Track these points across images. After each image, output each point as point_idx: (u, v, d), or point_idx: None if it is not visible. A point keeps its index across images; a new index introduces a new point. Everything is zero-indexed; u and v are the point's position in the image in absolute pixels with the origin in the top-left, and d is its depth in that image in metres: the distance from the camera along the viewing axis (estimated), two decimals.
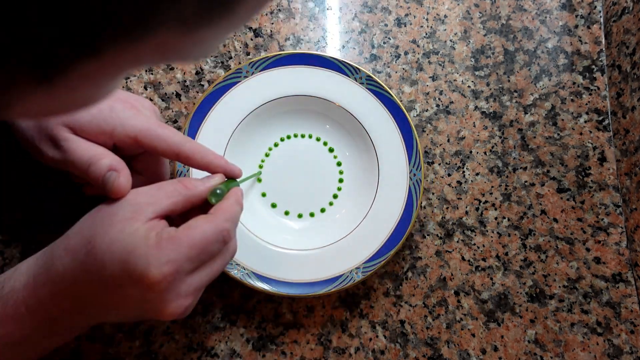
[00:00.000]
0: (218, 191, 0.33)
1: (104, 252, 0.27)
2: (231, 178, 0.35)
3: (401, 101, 0.45)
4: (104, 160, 0.31)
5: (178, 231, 0.28)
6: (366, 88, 0.43)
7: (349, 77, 0.43)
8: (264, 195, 0.44)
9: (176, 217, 0.32)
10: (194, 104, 0.43)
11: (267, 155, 0.45)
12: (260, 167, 0.45)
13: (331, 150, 0.45)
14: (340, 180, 0.45)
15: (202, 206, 0.33)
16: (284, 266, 0.41)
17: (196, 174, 0.40)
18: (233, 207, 0.32)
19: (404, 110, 0.43)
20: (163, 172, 0.38)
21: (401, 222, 0.42)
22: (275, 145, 0.45)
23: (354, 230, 0.42)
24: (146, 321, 0.41)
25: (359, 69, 0.43)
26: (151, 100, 0.46)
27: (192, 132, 0.42)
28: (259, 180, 0.44)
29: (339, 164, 0.45)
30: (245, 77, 0.43)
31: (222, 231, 0.30)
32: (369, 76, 0.43)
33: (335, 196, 0.45)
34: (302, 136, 0.45)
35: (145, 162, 0.37)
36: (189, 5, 0.12)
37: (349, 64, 0.43)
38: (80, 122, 0.32)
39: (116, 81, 0.17)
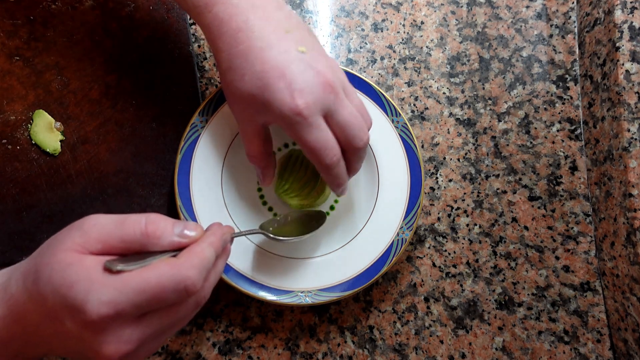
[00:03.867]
0: None
1: (45, 283, 0.25)
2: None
3: None
4: None
5: (132, 271, 0.25)
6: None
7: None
8: (264, 203, 0.43)
9: None
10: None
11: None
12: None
13: None
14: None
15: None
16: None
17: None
18: (204, 252, 0.27)
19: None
20: None
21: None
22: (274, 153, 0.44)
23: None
24: None
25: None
26: None
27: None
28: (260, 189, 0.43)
29: None
30: None
31: (184, 280, 0.26)
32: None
33: (336, 201, 0.44)
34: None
35: None
36: None
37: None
38: None
39: None
